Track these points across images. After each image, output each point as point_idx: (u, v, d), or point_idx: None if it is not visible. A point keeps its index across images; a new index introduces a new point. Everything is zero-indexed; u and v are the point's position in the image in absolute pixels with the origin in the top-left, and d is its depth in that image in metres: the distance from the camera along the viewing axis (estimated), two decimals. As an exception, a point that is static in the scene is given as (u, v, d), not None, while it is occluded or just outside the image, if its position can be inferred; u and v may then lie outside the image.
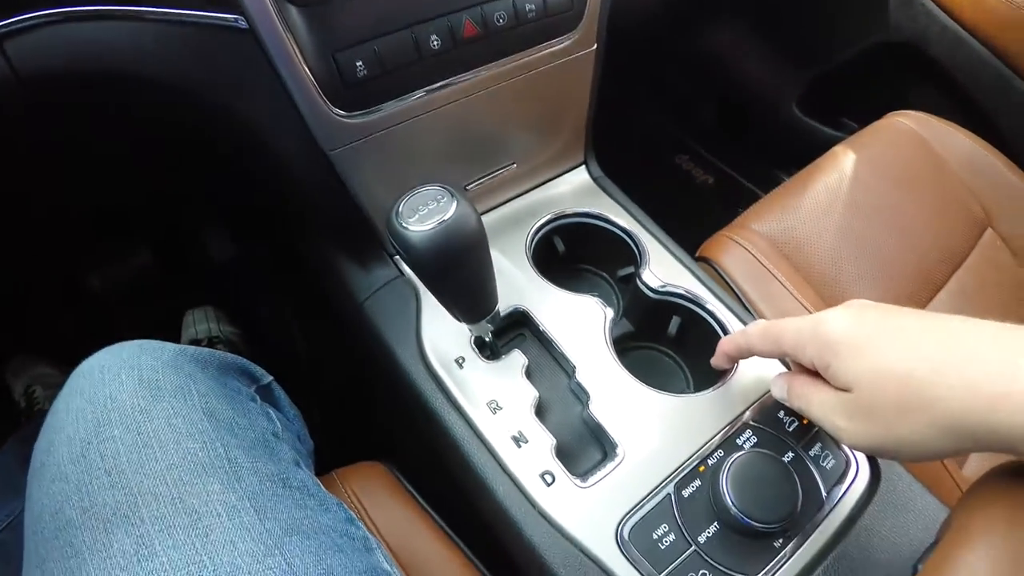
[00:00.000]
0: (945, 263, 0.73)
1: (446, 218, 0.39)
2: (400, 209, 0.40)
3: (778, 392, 0.45)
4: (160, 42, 0.46)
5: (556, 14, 0.53)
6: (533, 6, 0.51)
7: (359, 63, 0.45)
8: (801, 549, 0.44)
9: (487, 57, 0.51)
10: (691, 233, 0.70)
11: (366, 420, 0.82)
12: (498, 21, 0.49)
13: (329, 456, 0.56)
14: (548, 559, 0.43)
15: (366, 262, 0.59)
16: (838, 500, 0.46)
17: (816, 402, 0.39)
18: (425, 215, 0.39)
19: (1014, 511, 0.34)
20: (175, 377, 0.43)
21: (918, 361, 0.33)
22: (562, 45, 0.54)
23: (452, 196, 0.40)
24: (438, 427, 0.50)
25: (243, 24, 0.44)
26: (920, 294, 0.70)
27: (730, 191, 0.74)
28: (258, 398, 0.49)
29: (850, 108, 1.07)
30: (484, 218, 0.61)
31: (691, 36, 1.08)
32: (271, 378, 0.53)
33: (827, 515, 0.46)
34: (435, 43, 0.48)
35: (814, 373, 0.40)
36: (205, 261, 1.11)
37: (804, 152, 0.77)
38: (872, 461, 0.49)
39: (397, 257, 0.59)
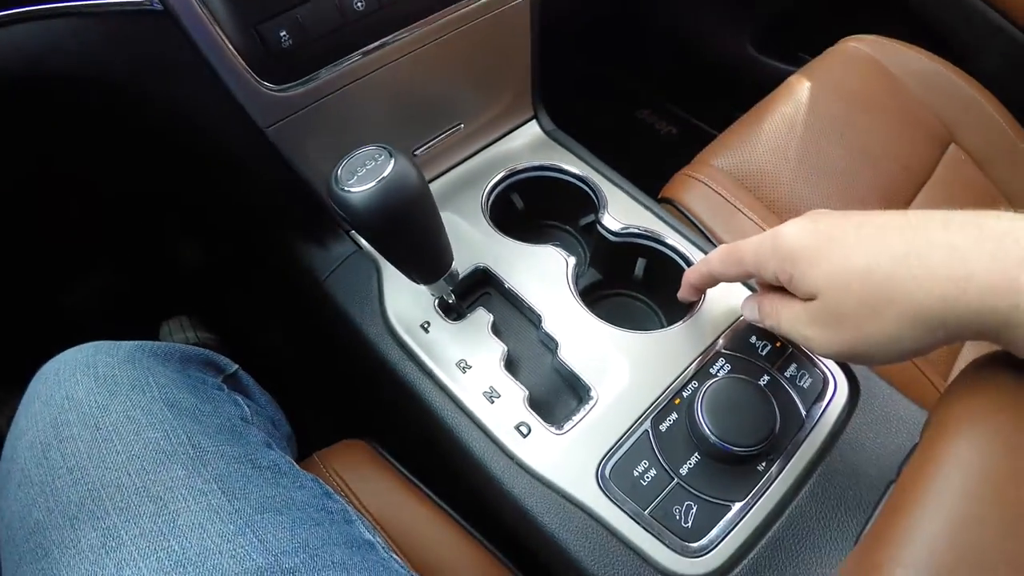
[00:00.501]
0: (911, 180, 0.73)
1: (384, 175, 0.38)
2: (338, 174, 0.40)
3: (749, 314, 0.45)
4: (80, 39, 0.45)
5: (483, -37, 0.52)
6: (457, -43, 0.50)
7: (283, 33, 0.44)
8: (785, 470, 0.44)
9: (417, 15, 0.50)
10: (661, 183, 0.69)
11: (349, 401, 0.82)
12: (423, -25, 0.48)
13: (321, 443, 0.56)
14: (531, 508, 0.43)
15: (323, 240, 0.58)
16: (818, 418, 0.46)
17: (785, 317, 0.39)
18: (364, 176, 0.39)
19: (993, 398, 0.34)
20: (132, 371, 0.43)
21: (878, 256, 0.33)
22: (493, -7, 0.53)
23: (390, 154, 0.39)
24: (410, 394, 0.50)
25: (158, 6, 0.42)
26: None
27: (695, 139, 0.73)
28: (225, 387, 0.49)
29: (806, 42, 1.06)
30: (437, 182, 0.60)
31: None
32: (236, 366, 0.52)
33: (808, 433, 0.46)
34: (359, 5, 0.46)
35: (780, 290, 0.40)
36: (175, 269, 1.10)
37: (765, 91, 0.77)
38: (850, 376, 0.49)
39: (354, 232, 0.58)
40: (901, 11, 0.97)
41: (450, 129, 0.58)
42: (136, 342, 0.46)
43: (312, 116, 0.49)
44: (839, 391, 0.48)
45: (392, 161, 0.39)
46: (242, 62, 0.44)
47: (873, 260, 0.33)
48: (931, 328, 0.31)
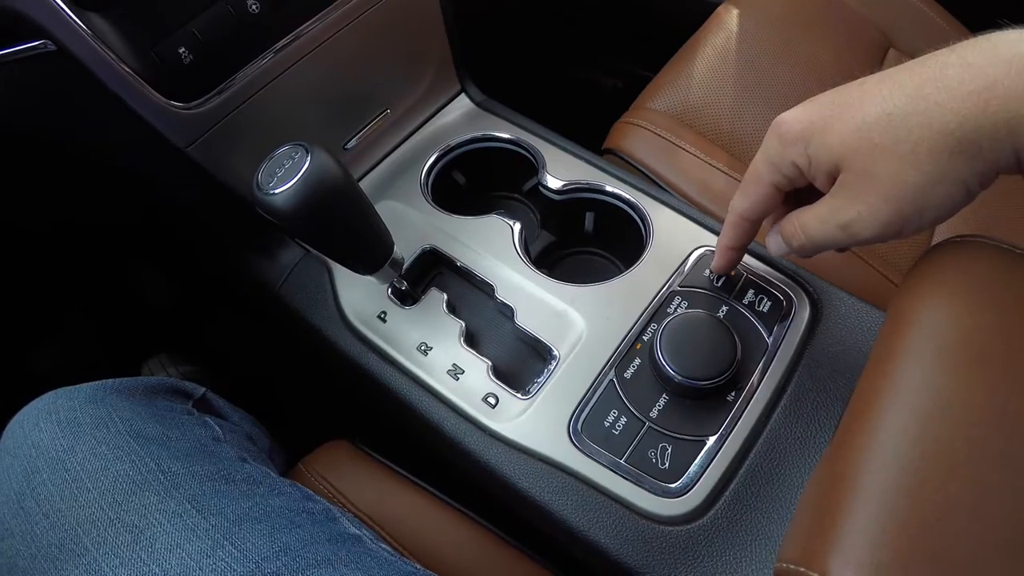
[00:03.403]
0: (856, 90, 0.74)
1: (302, 171, 0.40)
2: (259, 178, 0.41)
3: (775, 248, 0.42)
4: None
5: (373, -60, 0.52)
6: (345, -62, 0.50)
7: (182, 50, 0.45)
8: (755, 397, 0.46)
9: (318, 5, 0.51)
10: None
11: (329, 405, 0.84)
12: (313, -36, 0.49)
13: (310, 450, 0.58)
14: (509, 475, 0.45)
15: (271, 251, 0.59)
16: (783, 339, 0.48)
17: (812, 224, 0.37)
18: (283, 176, 0.41)
19: (945, 285, 0.35)
20: (95, 410, 0.44)
21: (892, 97, 0.32)
22: (390, -29, 0.54)
23: (306, 150, 0.41)
24: (378, 385, 0.51)
25: (52, 47, 0.43)
26: (837, 127, 0.71)
27: (641, 87, 0.74)
28: (195, 411, 0.50)
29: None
30: (375, 171, 0.62)
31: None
32: (204, 389, 0.54)
33: (774, 356, 0.48)
34: (254, 7, 0.47)
35: (793, 203, 0.40)
36: (145, 308, 1.11)
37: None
38: (808, 291, 0.50)
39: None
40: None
41: (378, 116, 0.60)
42: (97, 382, 0.48)
43: (231, 127, 0.50)
44: (799, 309, 0.49)
45: (308, 156, 0.41)
46: (148, 88, 0.45)
47: (888, 103, 0.32)
48: (969, 156, 0.30)
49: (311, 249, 0.59)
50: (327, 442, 0.58)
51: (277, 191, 0.40)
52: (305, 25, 0.50)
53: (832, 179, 0.35)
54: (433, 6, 0.59)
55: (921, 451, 0.28)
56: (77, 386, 0.47)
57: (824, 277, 0.51)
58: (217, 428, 0.49)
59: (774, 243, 0.42)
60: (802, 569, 0.27)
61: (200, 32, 0.45)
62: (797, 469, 0.44)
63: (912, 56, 0.78)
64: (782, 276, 0.51)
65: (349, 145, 0.59)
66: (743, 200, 0.41)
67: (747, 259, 0.52)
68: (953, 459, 0.28)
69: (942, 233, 0.63)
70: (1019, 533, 0.25)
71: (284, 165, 0.41)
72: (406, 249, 0.54)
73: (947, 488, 0.26)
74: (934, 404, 0.30)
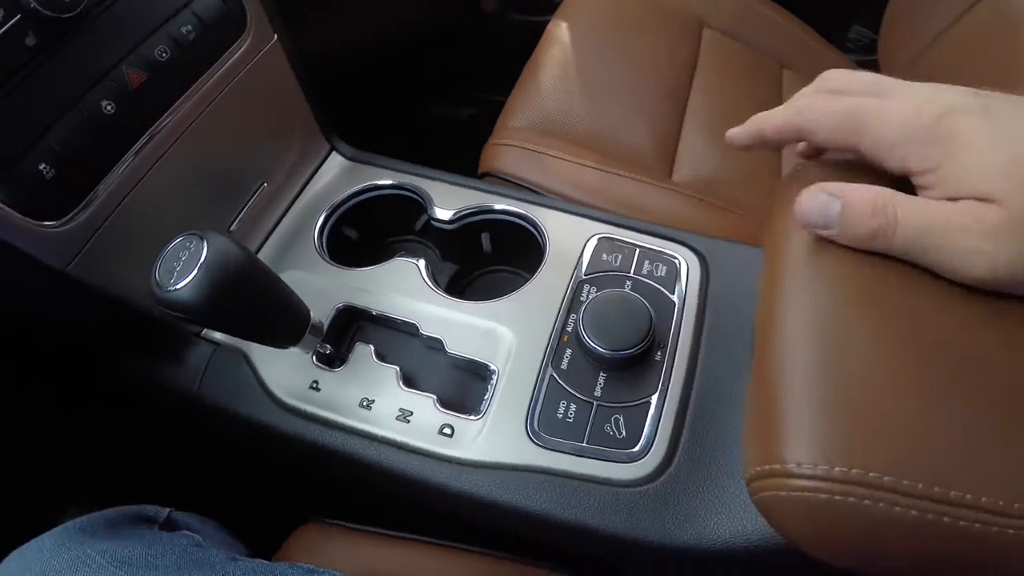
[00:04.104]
0: (682, 73, 0.84)
1: (203, 258, 0.40)
2: (157, 277, 0.41)
3: (817, 211, 0.33)
4: None
5: (217, 24, 0.54)
6: (189, 26, 0.51)
7: (42, 166, 0.44)
8: (678, 351, 0.51)
9: (173, 94, 0.51)
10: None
11: (287, 495, 0.81)
12: (161, 56, 0.50)
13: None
14: (486, 495, 0.47)
15: (177, 355, 0.58)
16: (685, 294, 0.54)
17: (914, 217, 0.30)
18: (183, 269, 0.41)
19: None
20: (68, 553, 0.42)
21: None
22: (241, 50, 0.56)
23: (200, 237, 0.41)
24: (330, 454, 0.51)
25: None
26: (674, 108, 0.80)
27: (495, 109, 0.80)
28: (165, 532, 0.48)
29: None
30: (266, 247, 0.62)
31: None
32: (167, 511, 0.52)
33: (683, 310, 0.53)
34: (109, 108, 0.47)
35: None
36: (54, 452, 1.01)
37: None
38: (692, 248, 0.56)
39: (203, 332, 0.58)
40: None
41: (256, 191, 0.60)
42: (56, 528, 0.45)
43: (109, 235, 0.49)
44: (691, 265, 0.56)
45: (205, 243, 0.41)
46: (13, 212, 0.43)
47: None
48: None
49: (221, 342, 0.58)
50: (295, 530, 0.57)
51: (179, 286, 0.40)
52: (162, 119, 0.51)
53: (960, 196, 0.29)
54: (287, 74, 0.61)
55: (826, 335, 0.32)
56: (36, 539, 0.44)
57: (701, 232, 0.58)
58: (196, 536, 0.48)
59: (820, 206, 0.33)
60: (765, 467, 0.30)
61: (58, 144, 0.44)
62: (733, 400, 0.49)
63: (725, 32, 0.91)
64: (666, 242, 0.57)
65: (233, 227, 0.59)
66: (816, 125, 0.35)
67: (633, 235, 0.58)
68: (857, 330, 0.32)
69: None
70: (928, 378, 0.30)
71: (180, 258, 0.41)
72: (320, 313, 0.55)
73: (861, 356, 0.31)
74: (822, 293, 0.35)
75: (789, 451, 0.30)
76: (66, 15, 0.44)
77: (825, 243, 0.34)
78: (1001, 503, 0.27)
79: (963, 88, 0.31)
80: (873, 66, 0.97)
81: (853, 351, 0.31)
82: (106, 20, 0.48)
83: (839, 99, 0.34)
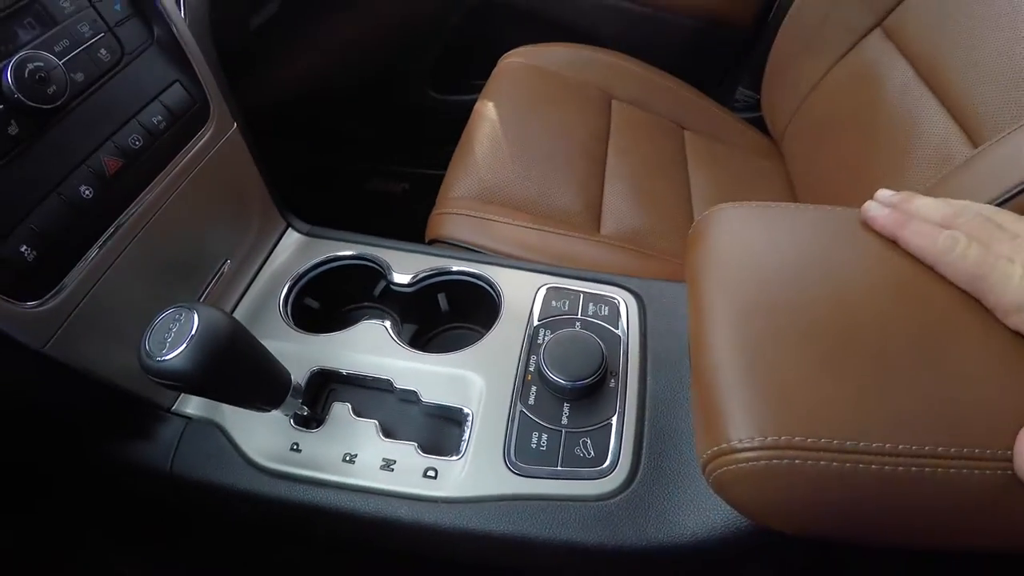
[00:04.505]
0: (598, 139, 0.95)
1: (195, 328, 0.43)
2: (148, 349, 0.43)
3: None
4: None
5: (185, 114, 0.58)
6: (160, 117, 0.56)
7: (23, 248, 0.46)
8: (629, 375, 0.58)
9: (146, 179, 0.55)
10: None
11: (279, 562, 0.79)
12: (134, 144, 0.53)
13: None
14: (475, 528, 0.50)
15: (148, 432, 0.58)
16: (627, 329, 0.61)
17: None
18: (175, 339, 0.43)
19: (710, 234, 0.48)
20: None
21: None
22: (206, 137, 0.60)
23: (188, 308, 0.44)
24: (320, 513, 0.53)
25: None
26: (596, 170, 0.90)
27: (427, 183, 0.87)
28: None
29: (477, 70, 1.28)
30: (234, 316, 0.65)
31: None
32: None
33: (628, 342, 0.60)
34: (87, 193, 0.50)
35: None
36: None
37: (462, 121, 0.94)
38: (628, 290, 0.64)
39: (174, 407, 0.59)
40: (540, 23, 1.23)
41: (220, 268, 0.64)
42: None
43: (86, 313, 0.50)
44: (629, 304, 0.63)
45: (195, 313, 0.44)
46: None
47: None
48: None
49: (192, 415, 0.59)
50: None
51: (172, 355, 0.42)
52: (135, 203, 0.54)
53: None
54: (246, 159, 0.66)
55: (745, 338, 0.39)
56: None
57: (633, 275, 0.67)
58: None
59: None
60: (714, 449, 0.37)
61: (38, 227, 0.47)
62: (682, 411, 0.56)
63: (631, 102, 1.04)
64: (606, 286, 0.65)
65: (200, 301, 0.62)
66: (931, 212, 0.42)
67: (577, 283, 0.66)
68: (767, 329, 0.39)
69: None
70: (823, 354, 0.37)
71: (171, 329, 0.43)
72: (295, 378, 0.58)
73: (774, 348, 0.38)
74: (737, 307, 0.41)
75: (731, 431, 0.36)
76: (47, 106, 0.48)
77: (732, 269, 0.43)
78: (900, 447, 0.34)
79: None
80: (759, 121, 1.12)
81: (768, 345, 0.38)
82: (84, 110, 0.51)
83: (975, 250, 0.38)
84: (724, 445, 0.36)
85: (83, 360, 0.52)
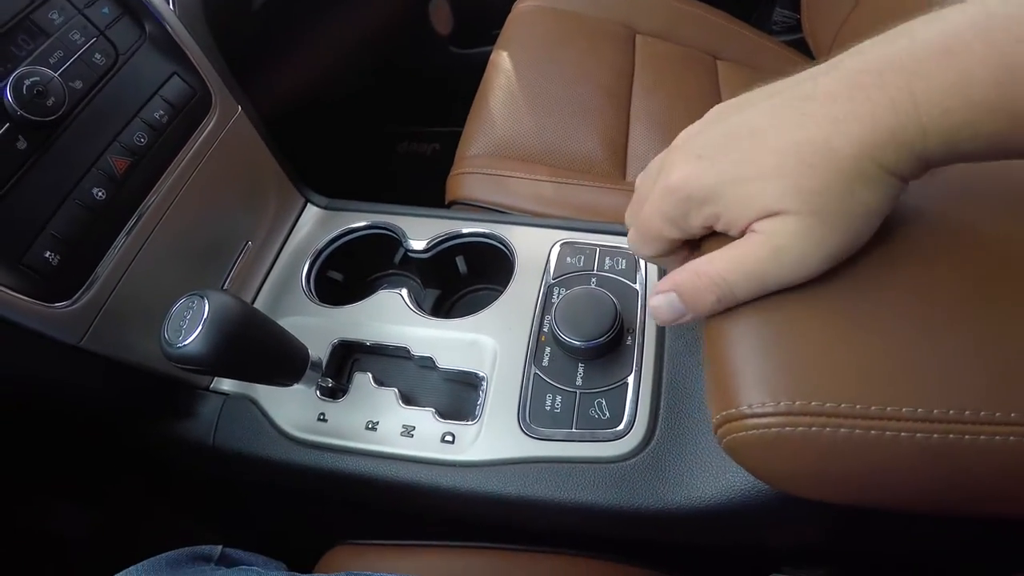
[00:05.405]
0: (621, 79, 0.91)
1: (206, 313, 0.46)
2: (166, 336, 0.46)
3: (666, 311, 0.37)
4: None
5: (186, 105, 0.60)
6: (162, 111, 0.58)
7: (47, 254, 0.50)
8: (647, 332, 0.57)
9: (156, 173, 0.57)
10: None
11: (310, 526, 0.85)
12: (140, 141, 0.56)
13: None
14: (492, 491, 0.52)
15: (190, 410, 0.63)
16: (646, 282, 0.60)
17: (737, 272, 0.33)
18: (189, 325, 0.46)
19: None
20: None
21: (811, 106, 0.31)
22: (211, 125, 0.62)
23: (201, 296, 0.47)
24: (346, 479, 0.56)
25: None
26: (619, 113, 0.87)
27: (454, 140, 0.87)
28: (221, 568, 0.52)
29: (496, 19, 1.25)
30: (258, 301, 0.68)
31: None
32: (220, 547, 0.56)
33: (646, 297, 0.59)
34: (100, 195, 0.53)
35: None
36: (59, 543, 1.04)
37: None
38: None
39: (212, 385, 0.63)
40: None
41: (242, 252, 0.66)
42: (128, 569, 0.47)
43: (116, 306, 0.54)
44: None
45: (206, 300, 0.46)
46: (28, 300, 0.48)
47: (813, 117, 0.30)
48: (916, 159, 0.29)
49: (229, 392, 0.63)
50: (324, 554, 0.61)
51: (188, 341, 0.45)
52: (148, 197, 0.56)
53: (762, 215, 0.32)
54: (256, 140, 0.68)
55: (760, 299, 0.38)
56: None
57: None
58: (254, 567, 0.52)
59: (667, 309, 0.37)
60: (725, 414, 0.36)
61: (58, 232, 0.50)
62: (699, 369, 0.54)
63: (656, 35, 0.99)
64: (623, 238, 0.63)
65: (226, 286, 0.64)
66: (646, 250, 0.39)
67: (592, 236, 0.64)
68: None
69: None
70: (846, 314, 0.35)
71: (185, 317, 0.46)
72: (318, 351, 0.60)
73: (790, 308, 0.36)
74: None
75: (743, 396, 0.34)
76: (50, 118, 0.50)
77: None
78: (920, 411, 0.31)
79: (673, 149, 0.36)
80: (801, 44, 1.05)
81: (784, 306, 0.37)
82: (87, 116, 0.54)
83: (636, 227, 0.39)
84: (735, 410, 0.34)
85: (120, 350, 0.56)
